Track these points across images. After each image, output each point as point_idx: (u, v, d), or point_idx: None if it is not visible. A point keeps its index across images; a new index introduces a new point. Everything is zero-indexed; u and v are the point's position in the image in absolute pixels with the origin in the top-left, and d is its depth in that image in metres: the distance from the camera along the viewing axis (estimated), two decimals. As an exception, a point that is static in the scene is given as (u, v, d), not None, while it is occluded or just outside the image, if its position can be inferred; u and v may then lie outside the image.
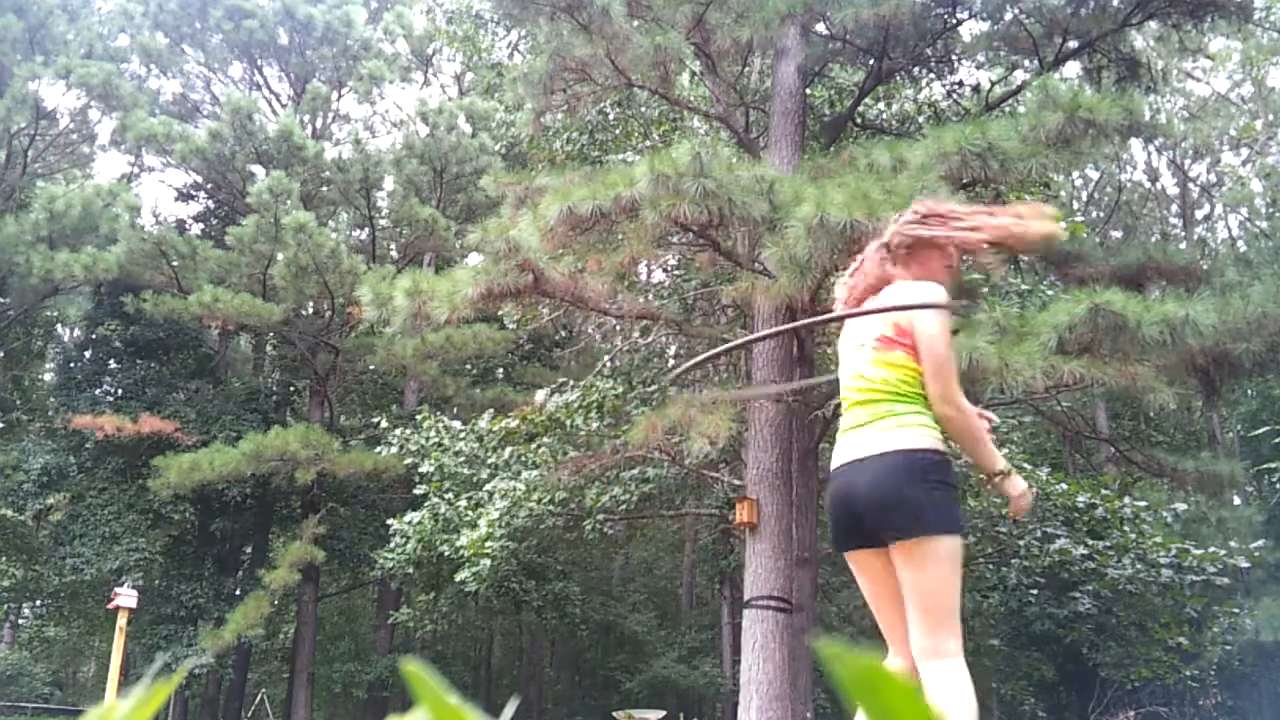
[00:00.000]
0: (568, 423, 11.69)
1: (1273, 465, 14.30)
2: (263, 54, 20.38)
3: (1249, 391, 15.46)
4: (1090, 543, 11.44)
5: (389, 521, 13.52)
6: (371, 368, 19.70)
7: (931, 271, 2.67)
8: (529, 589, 15.35)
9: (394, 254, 20.77)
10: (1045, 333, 6.05)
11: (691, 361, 2.61)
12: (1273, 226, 21.17)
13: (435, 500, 12.55)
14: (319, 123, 20.92)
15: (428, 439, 12.87)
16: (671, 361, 13.50)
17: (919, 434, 2.42)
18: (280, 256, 16.49)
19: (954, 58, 9.33)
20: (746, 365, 10.63)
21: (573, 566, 16.81)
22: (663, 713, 14.76)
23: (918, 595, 2.33)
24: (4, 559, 18.38)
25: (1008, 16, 8.77)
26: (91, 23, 19.72)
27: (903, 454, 2.40)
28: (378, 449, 14.49)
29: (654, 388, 11.89)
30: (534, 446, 11.91)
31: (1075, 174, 20.57)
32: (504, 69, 17.40)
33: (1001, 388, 6.08)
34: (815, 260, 6.29)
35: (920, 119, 11.17)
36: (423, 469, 12.75)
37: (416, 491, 13.17)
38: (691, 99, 11.23)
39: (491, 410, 13.20)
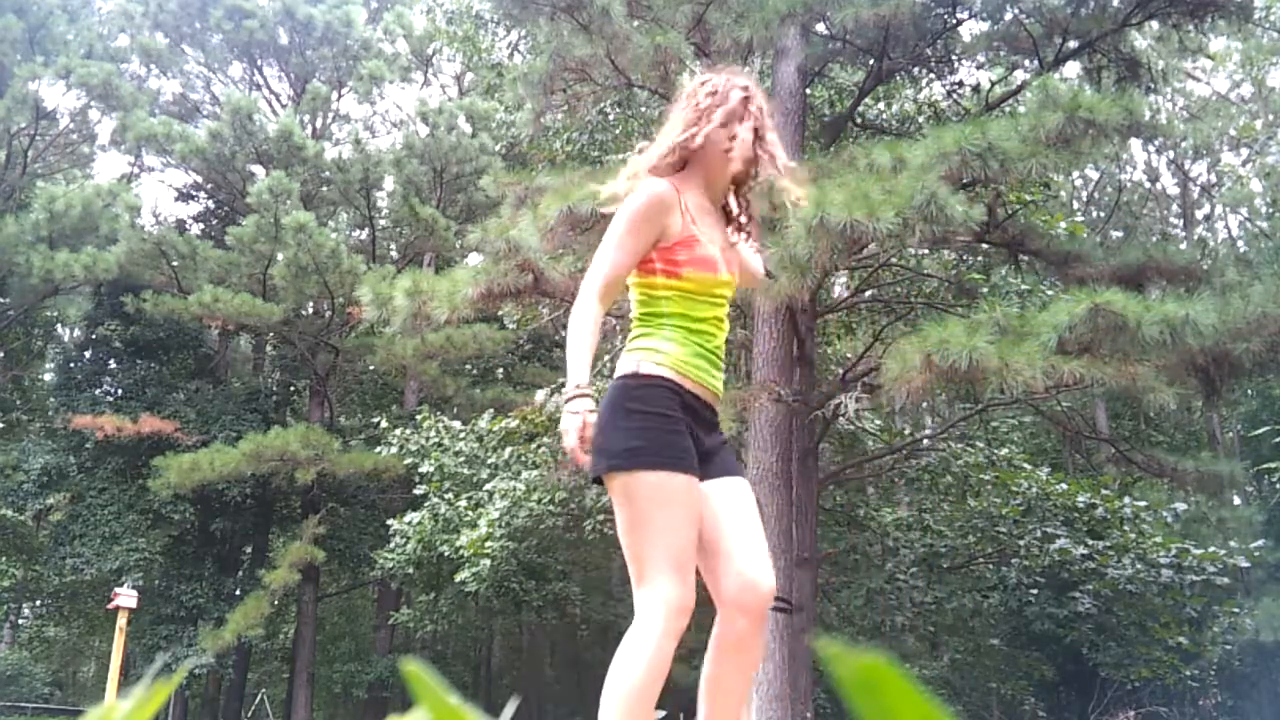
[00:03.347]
0: (568, 423, 11.68)
1: (1273, 465, 14.29)
2: (263, 54, 20.38)
3: (1249, 391, 15.46)
4: (1090, 543, 11.45)
5: (389, 521, 13.53)
6: (371, 368, 19.71)
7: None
8: (529, 589, 15.35)
9: (394, 254, 20.77)
10: (1045, 333, 6.05)
11: None
12: (1273, 226, 21.16)
13: (435, 500, 12.56)
14: (319, 123, 20.92)
15: (428, 439, 12.88)
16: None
17: (628, 359, 2.15)
18: (280, 256, 16.49)
19: (954, 58, 9.33)
20: (746, 365, 10.62)
21: (573, 566, 16.80)
22: (663, 713, 14.74)
23: (621, 538, 2.06)
24: (4, 559, 18.38)
25: (1008, 16, 8.77)
26: (91, 23, 19.74)
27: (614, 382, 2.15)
28: (378, 449, 14.50)
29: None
30: (534, 446, 11.92)
31: (1075, 174, 20.57)
32: (504, 69, 17.39)
33: (1001, 388, 6.07)
34: (815, 260, 6.30)
35: (920, 119, 11.17)
36: (423, 469, 12.76)
37: (416, 491, 13.17)
38: (691, 99, 11.20)
39: (491, 410, 13.21)
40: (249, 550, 19.37)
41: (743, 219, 2.32)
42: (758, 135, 2.21)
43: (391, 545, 13.40)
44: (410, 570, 13.94)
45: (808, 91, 9.51)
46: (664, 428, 2.04)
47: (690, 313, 2.15)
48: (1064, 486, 11.52)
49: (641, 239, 2.17)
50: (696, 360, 2.13)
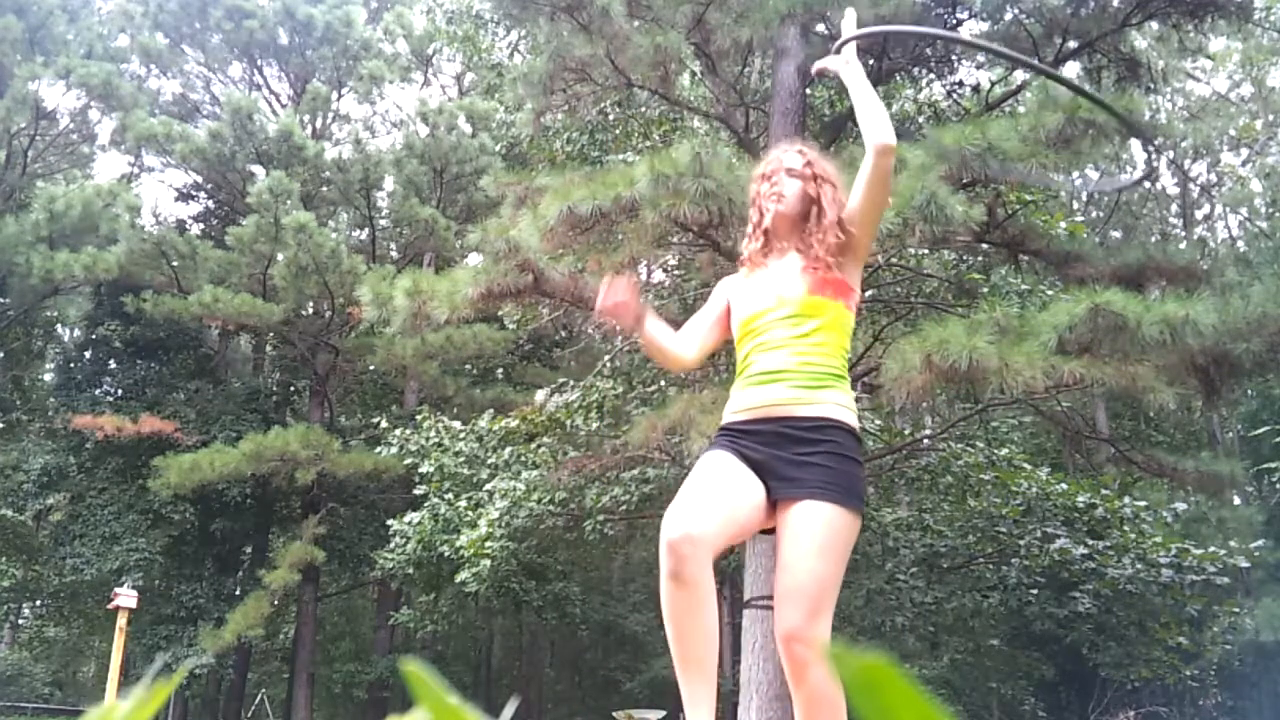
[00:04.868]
0: (568, 423, 11.69)
1: (1273, 465, 14.30)
2: (263, 54, 20.38)
3: (1249, 391, 15.46)
4: (1090, 543, 11.44)
5: (389, 522, 13.52)
6: (371, 368, 19.70)
7: None
8: (529, 589, 15.35)
9: (394, 254, 20.77)
10: (1045, 333, 6.05)
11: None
12: (1273, 226, 21.17)
13: (435, 500, 12.55)
14: (319, 123, 20.91)
15: (428, 439, 12.87)
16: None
17: None
18: (280, 256, 16.49)
19: (954, 58, 9.33)
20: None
21: (573, 566, 16.82)
22: (663, 713, 14.75)
23: None
24: (4, 559, 18.38)
25: (1008, 16, 8.76)
26: (91, 23, 19.73)
27: None
28: (378, 449, 14.49)
29: (654, 388, 11.89)
30: (534, 446, 11.91)
31: (1075, 174, 20.55)
32: (504, 69, 17.39)
33: (1001, 388, 6.07)
34: (815, 260, 6.28)
35: (920, 119, 11.16)
36: (423, 469, 12.75)
37: (416, 491, 13.16)
38: (691, 99, 11.23)
39: (491, 410, 13.20)
40: (249, 550, 19.37)
41: (812, 251, 2.48)
42: (769, 188, 2.55)
43: (391, 545, 13.39)
44: (410, 570, 13.94)
45: (808, 91, 9.50)
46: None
47: (740, 356, 2.51)
48: (1064, 486, 11.50)
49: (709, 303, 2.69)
50: (742, 393, 2.43)
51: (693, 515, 2.16)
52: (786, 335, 2.38)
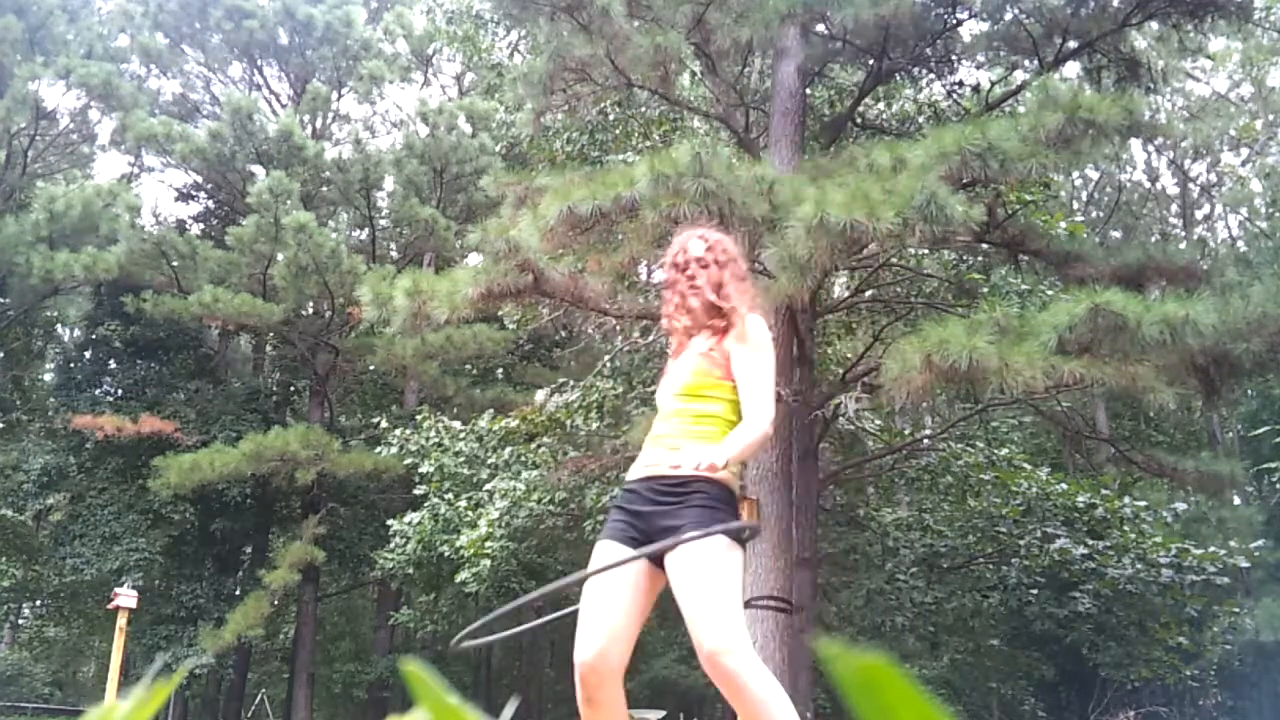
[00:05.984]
0: (568, 423, 11.70)
1: (1273, 465, 14.30)
2: (263, 54, 20.37)
3: (1249, 391, 15.45)
4: (1090, 543, 11.44)
5: (389, 522, 13.52)
6: (371, 368, 19.70)
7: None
8: (529, 589, 15.32)
9: (394, 254, 20.77)
10: (1045, 333, 6.05)
11: (480, 621, 2.80)
12: (1273, 226, 21.16)
13: (435, 500, 12.56)
14: (319, 123, 20.91)
15: (428, 439, 12.87)
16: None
17: None
18: (280, 256, 16.49)
19: (954, 58, 9.32)
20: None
21: (573, 566, 16.77)
22: (663, 713, 14.74)
23: None
24: (4, 559, 18.38)
25: (1008, 16, 8.77)
26: (91, 23, 19.73)
27: None
28: (378, 449, 14.49)
29: (654, 388, 11.88)
30: (534, 446, 11.92)
31: (1075, 174, 20.57)
32: (504, 69, 17.38)
33: (1001, 388, 6.07)
34: (815, 260, 6.29)
35: (920, 119, 11.16)
36: (423, 469, 12.75)
37: (416, 491, 13.17)
38: (691, 99, 11.22)
39: (491, 410, 13.21)
40: (249, 550, 19.36)
41: (712, 333, 2.72)
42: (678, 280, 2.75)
43: (391, 545, 13.39)
44: (410, 570, 13.94)
45: (808, 91, 9.51)
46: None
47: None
48: (1064, 486, 11.51)
49: None
50: (643, 453, 2.62)
51: (592, 644, 2.41)
52: (675, 406, 2.62)
